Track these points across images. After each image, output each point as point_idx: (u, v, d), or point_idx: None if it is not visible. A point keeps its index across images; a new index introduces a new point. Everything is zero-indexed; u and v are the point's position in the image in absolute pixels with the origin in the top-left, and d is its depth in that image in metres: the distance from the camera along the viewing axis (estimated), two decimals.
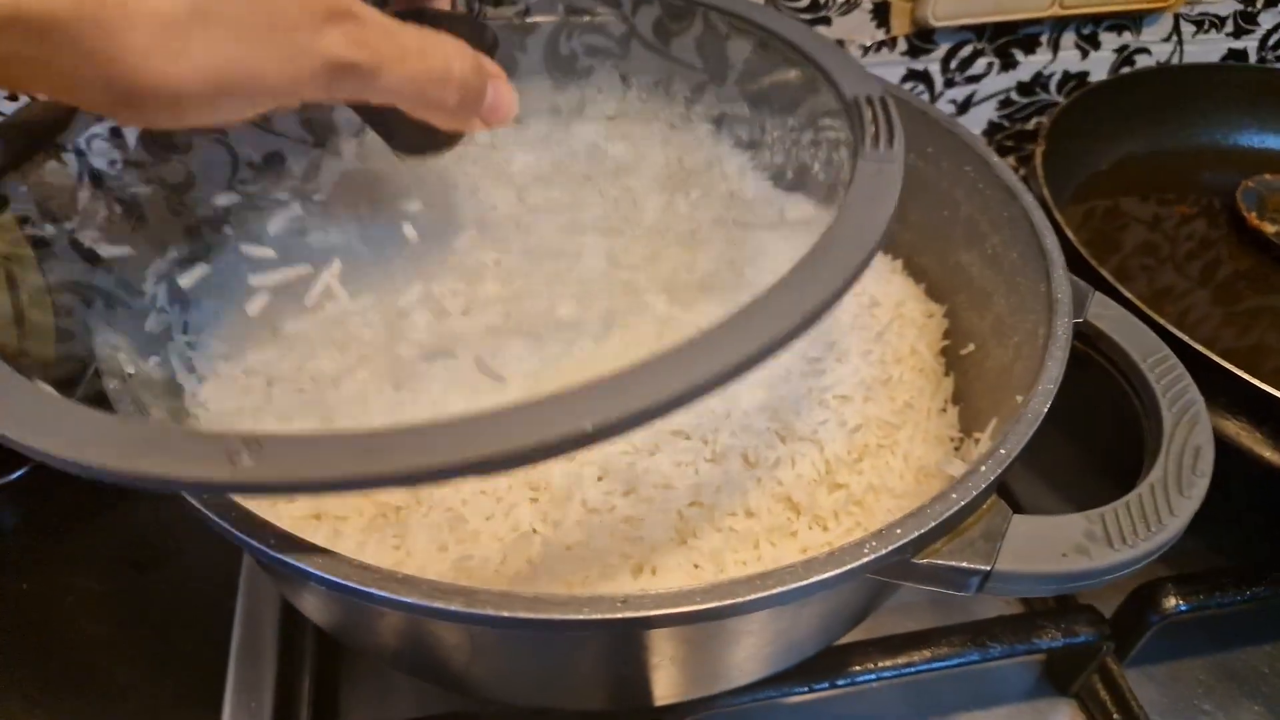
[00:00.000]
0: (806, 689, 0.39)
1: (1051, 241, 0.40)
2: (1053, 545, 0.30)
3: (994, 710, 0.45)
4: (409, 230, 0.42)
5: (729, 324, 0.26)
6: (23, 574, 0.49)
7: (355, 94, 0.29)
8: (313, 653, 0.43)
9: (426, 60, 0.30)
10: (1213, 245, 0.64)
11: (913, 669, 0.40)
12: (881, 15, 0.65)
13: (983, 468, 0.31)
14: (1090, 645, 0.42)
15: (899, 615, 0.46)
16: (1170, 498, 0.31)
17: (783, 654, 0.35)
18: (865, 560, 0.28)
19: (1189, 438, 0.34)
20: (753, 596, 0.27)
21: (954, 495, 0.30)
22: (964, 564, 0.30)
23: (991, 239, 0.44)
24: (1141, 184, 0.68)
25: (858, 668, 0.40)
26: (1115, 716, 0.43)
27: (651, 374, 0.25)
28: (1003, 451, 0.31)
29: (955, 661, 0.40)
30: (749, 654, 0.34)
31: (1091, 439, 0.48)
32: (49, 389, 0.27)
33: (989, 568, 0.30)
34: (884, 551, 0.28)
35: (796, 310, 0.27)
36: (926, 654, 0.40)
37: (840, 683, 0.39)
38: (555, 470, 0.37)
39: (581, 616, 0.26)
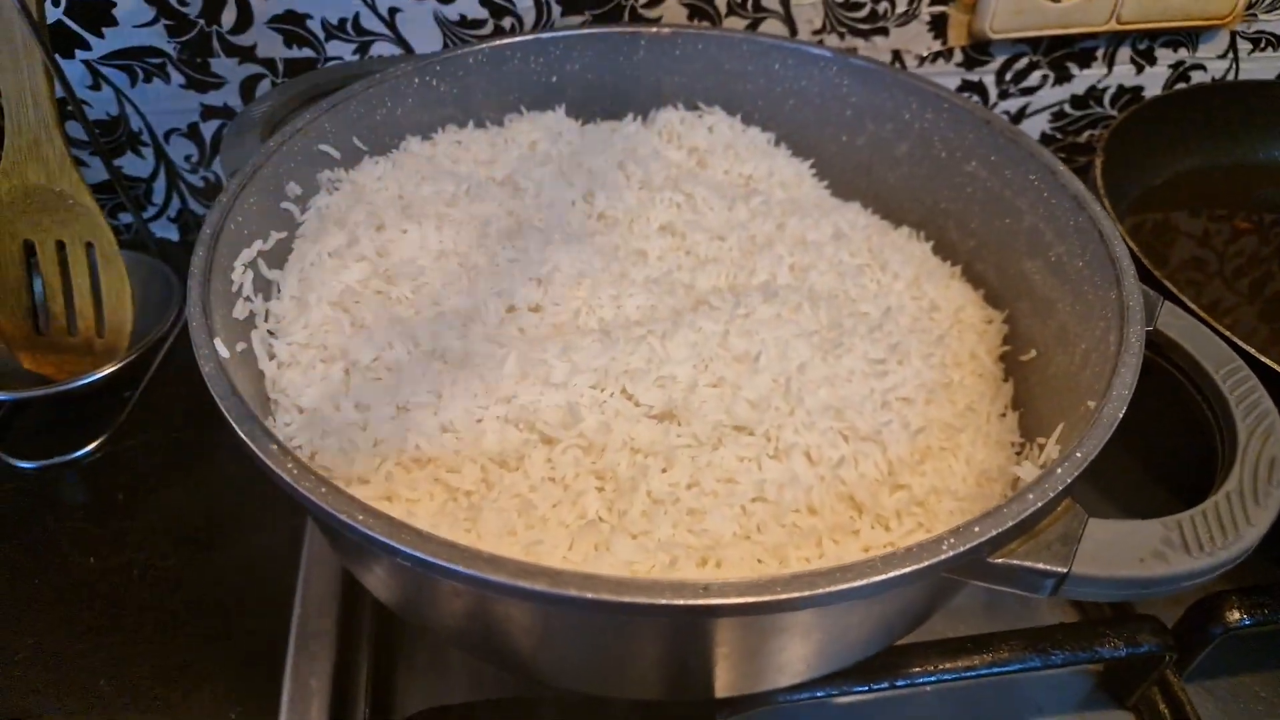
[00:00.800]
0: (866, 689, 0.39)
1: (1121, 250, 0.40)
2: (1130, 550, 0.30)
3: (1051, 719, 0.44)
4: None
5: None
6: (90, 550, 0.50)
7: None
8: (371, 633, 0.44)
9: None
10: (1265, 261, 0.64)
11: (973, 673, 0.40)
12: (939, 26, 0.65)
13: (1059, 470, 0.31)
14: (1153, 656, 0.41)
15: (954, 621, 0.46)
16: (1247, 507, 0.31)
17: (845, 652, 0.36)
18: (943, 557, 0.28)
19: (1264, 448, 0.34)
20: (833, 589, 0.27)
21: (1031, 496, 0.30)
22: (1041, 565, 0.30)
23: (1056, 248, 0.44)
24: (1196, 199, 0.68)
25: (917, 669, 0.40)
26: None
27: None
28: (1079, 455, 0.31)
29: (1016, 667, 0.40)
30: (813, 650, 0.34)
31: (1151, 451, 0.48)
32: None
33: (1066, 570, 0.30)
34: (962, 549, 0.28)
35: None
36: (988, 658, 0.40)
37: (900, 684, 0.39)
38: (621, 461, 0.38)
39: (664, 601, 0.27)
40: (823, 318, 0.44)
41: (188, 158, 0.65)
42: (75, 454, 0.54)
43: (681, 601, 0.27)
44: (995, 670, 0.40)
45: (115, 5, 0.57)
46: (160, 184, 0.66)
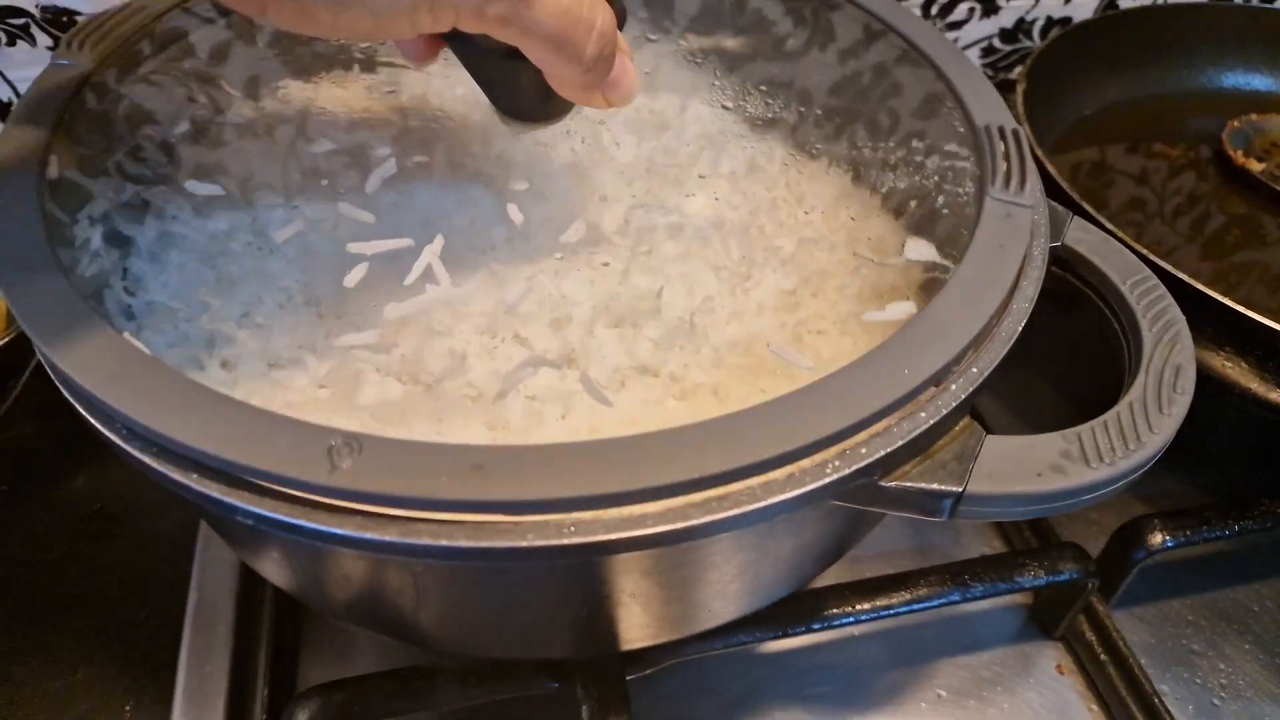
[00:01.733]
0: (781, 633, 0.37)
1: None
2: (1028, 465, 0.29)
3: (979, 655, 0.43)
4: (514, 212, 0.40)
5: (849, 372, 0.27)
6: None
7: (504, 22, 0.29)
8: (271, 618, 0.42)
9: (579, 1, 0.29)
10: (1200, 189, 0.63)
11: (891, 611, 0.39)
12: None
13: (953, 386, 0.29)
14: (1075, 583, 0.40)
15: (878, 563, 0.45)
16: (1150, 415, 0.30)
17: (753, 593, 0.34)
18: (829, 479, 0.26)
19: (1170, 356, 0.32)
20: (709, 519, 0.25)
21: (923, 414, 0.28)
22: (935, 486, 0.28)
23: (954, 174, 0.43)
24: (1129, 130, 0.66)
25: (835, 610, 0.38)
26: (1103, 658, 0.42)
27: (776, 419, 0.26)
28: (974, 370, 0.30)
29: (936, 602, 0.39)
30: (716, 592, 0.32)
31: (1061, 372, 0.46)
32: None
33: (961, 489, 0.28)
34: (848, 471, 0.27)
35: (920, 371, 0.27)
36: (906, 595, 0.39)
37: (816, 626, 0.38)
38: (515, 409, 0.35)
39: (525, 544, 0.25)
40: (734, 252, 0.42)
41: None
42: None
43: (545, 543, 0.25)
44: (915, 607, 0.39)
45: None
46: None
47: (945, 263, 0.35)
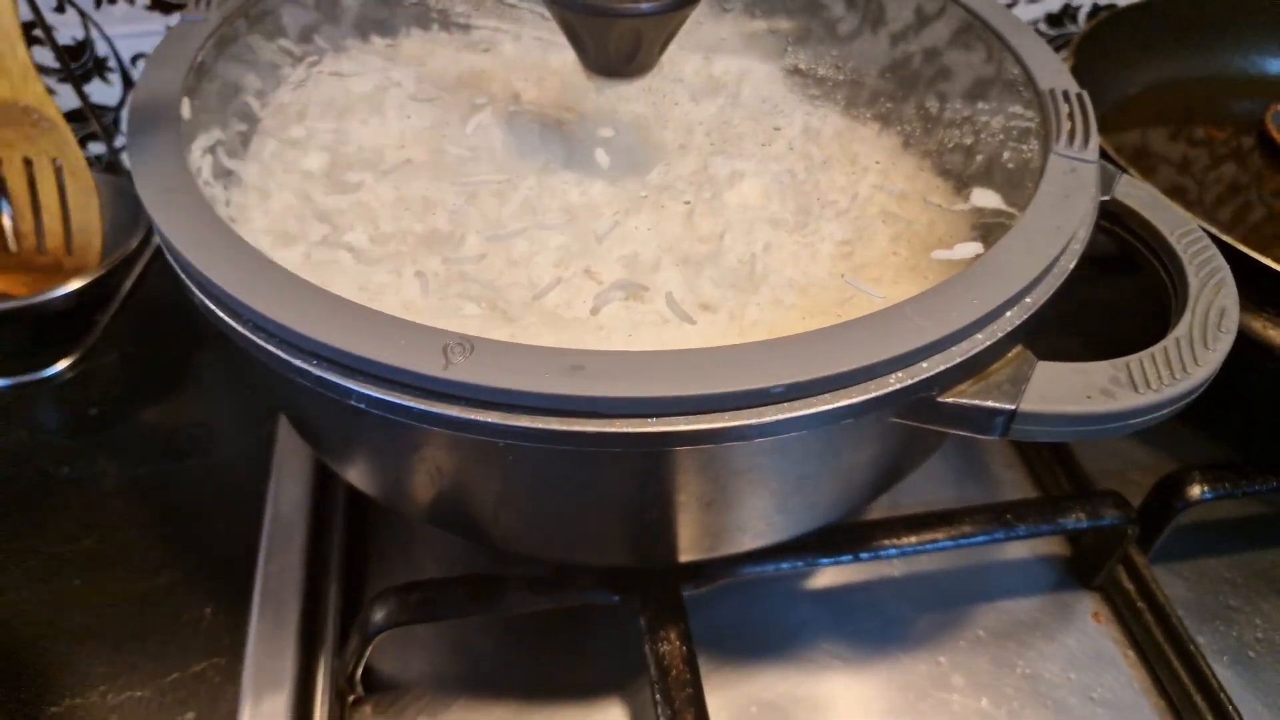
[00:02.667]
0: (831, 560, 0.39)
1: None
2: (1078, 389, 0.30)
3: (1018, 600, 0.45)
4: (601, 156, 0.43)
5: (915, 305, 0.29)
6: (64, 460, 0.50)
7: None
8: (342, 527, 0.44)
9: None
10: (1243, 170, 0.64)
11: (936, 545, 0.41)
12: None
13: (1008, 313, 0.31)
14: (1115, 529, 0.42)
15: (919, 508, 0.47)
16: (1195, 350, 0.32)
17: (809, 509, 0.36)
18: (892, 389, 0.28)
19: (1215, 299, 0.34)
20: (780, 417, 0.27)
21: (979, 336, 0.30)
22: (989, 403, 0.30)
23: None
24: (1172, 112, 0.68)
25: (883, 541, 0.40)
26: (1140, 605, 0.43)
27: (846, 341, 0.28)
28: (1028, 300, 0.31)
29: (981, 539, 0.41)
30: (775, 505, 0.34)
31: (1102, 340, 0.48)
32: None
33: (1014, 407, 0.30)
34: (910, 383, 0.29)
35: (988, 301, 0.30)
36: (951, 531, 0.41)
37: (864, 555, 0.40)
38: (585, 337, 0.38)
39: (614, 430, 0.27)
40: (789, 203, 0.44)
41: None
42: (47, 371, 0.54)
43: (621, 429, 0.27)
44: (961, 542, 0.41)
45: None
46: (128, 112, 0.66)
47: (1011, 210, 0.37)
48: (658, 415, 0.27)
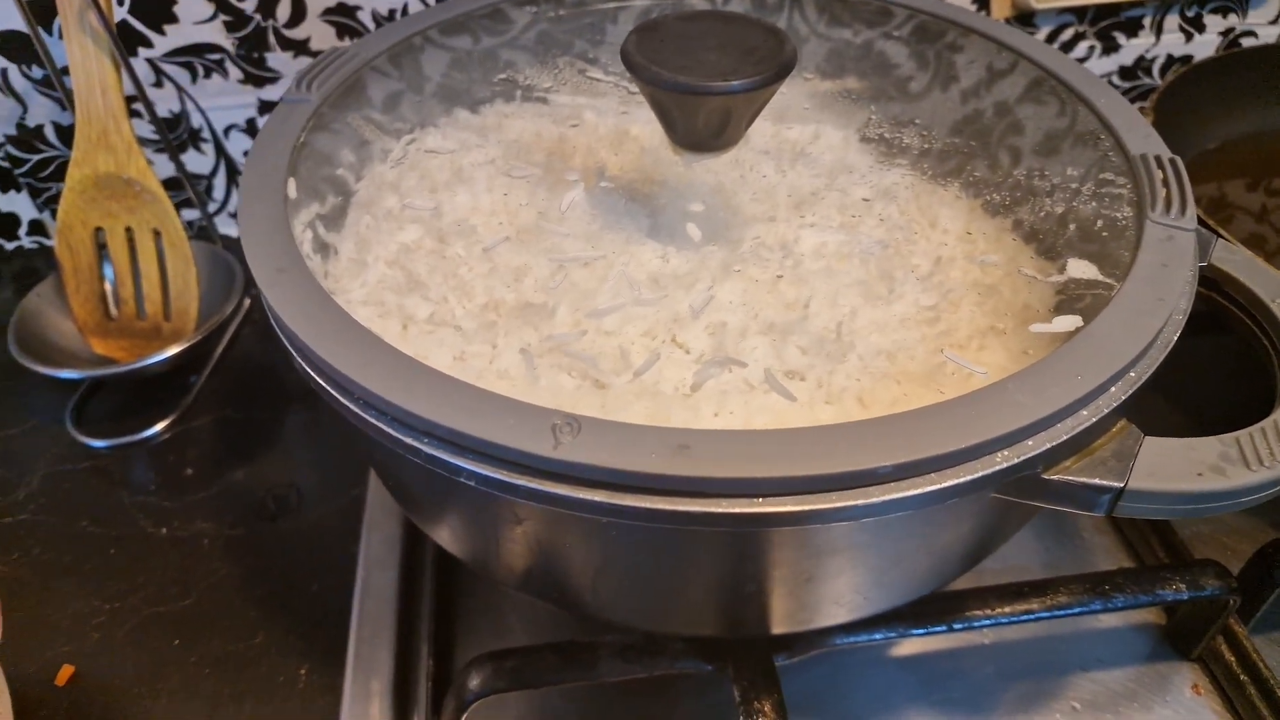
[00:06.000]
0: (923, 630, 0.39)
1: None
2: (1189, 465, 0.30)
3: (1112, 671, 0.44)
4: (693, 230, 0.44)
5: (1019, 381, 0.30)
6: (163, 522, 0.52)
7: None
8: (431, 592, 0.45)
9: None
10: None
11: (1031, 616, 0.40)
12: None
13: (1113, 389, 0.31)
14: (1216, 600, 0.41)
15: (1007, 576, 0.46)
16: None
17: (904, 583, 0.36)
18: (998, 468, 0.28)
19: None
20: (888, 497, 0.27)
21: (1084, 412, 0.30)
22: (1097, 480, 0.30)
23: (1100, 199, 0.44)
24: (1251, 166, 0.67)
25: (975, 612, 0.39)
26: (1243, 680, 0.42)
27: (952, 419, 0.28)
28: (1133, 375, 0.31)
29: (1076, 610, 0.40)
30: (872, 579, 0.34)
31: (1204, 387, 0.47)
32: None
33: (1122, 484, 0.30)
34: (1016, 461, 0.28)
35: (1084, 381, 0.29)
36: (1047, 602, 0.40)
37: (957, 626, 0.39)
38: (675, 406, 0.38)
39: (721, 510, 0.27)
40: (873, 269, 0.44)
41: (246, 153, 0.67)
42: (145, 433, 0.56)
43: (729, 509, 0.27)
44: (1056, 613, 0.40)
45: (176, 3, 0.60)
46: (220, 179, 0.69)
47: (1107, 280, 0.37)
48: (764, 495, 0.27)
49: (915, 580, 0.35)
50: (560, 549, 0.34)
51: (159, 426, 0.57)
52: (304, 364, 0.33)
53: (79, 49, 0.53)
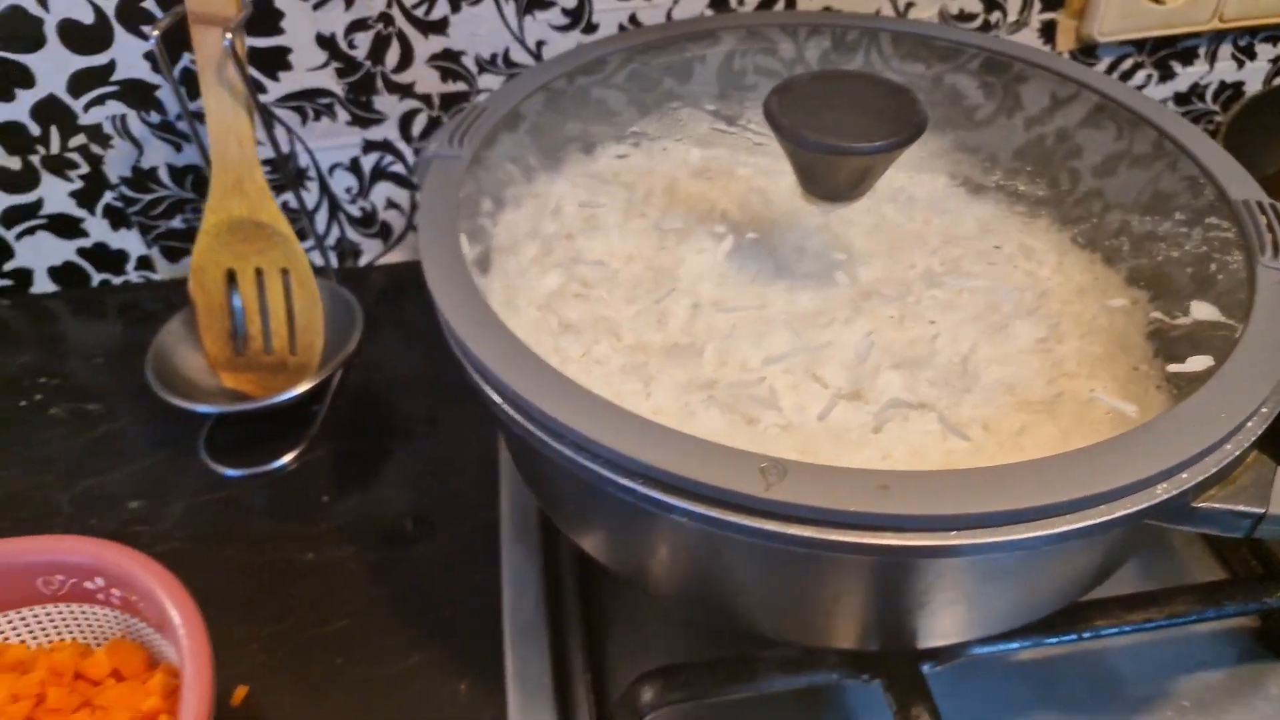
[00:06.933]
0: (1056, 640, 0.42)
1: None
2: None
3: (1214, 673, 0.47)
4: (841, 278, 0.47)
5: (1169, 420, 0.33)
6: (306, 548, 0.55)
7: None
8: (578, 608, 0.48)
9: None
10: None
11: (1153, 624, 0.43)
12: (1049, 32, 0.69)
13: (1249, 424, 0.34)
14: None
15: (1112, 585, 0.49)
16: None
17: (1046, 600, 0.39)
18: (1159, 500, 0.32)
19: None
20: (1065, 528, 0.31)
21: (1228, 446, 0.33)
22: (1240, 507, 0.33)
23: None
24: None
25: (1102, 621, 0.43)
26: None
27: (1119, 456, 0.32)
28: (1264, 410, 0.35)
29: (1192, 618, 0.43)
30: (1019, 597, 0.38)
31: None
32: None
33: (1263, 511, 0.33)
34: (1173, 493, 0.32)
35: (1228, 419, 0.33)
36: (1165, 610, 0.43)
37: (1086, 635, 0.43)
38: (820, 438, 0.41)
39: (917, 543, 0.31)
40: (982, 302, 0.47)
41: (348, 190, 0.71)
42: (276, 464, 0.60)
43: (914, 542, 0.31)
44: (1172, 621, 0.43)
45: (291, 51, 0.63)
46: (322, 215, 0.72)
47: (1231, 322, 0.40)
48: (957, 530, 0.31)
49: (1060, 596, 0.39)
50: (739, 572, 0.37)
51: (288, 457, 0.60)
52: (514, 412, 0.36)
53: (215, 101, 0.56)
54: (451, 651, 0.49)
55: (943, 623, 0.38)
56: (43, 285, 0.73)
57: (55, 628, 0.46)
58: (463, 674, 0.48)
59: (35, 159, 0.66)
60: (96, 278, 0.73)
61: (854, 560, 0.34)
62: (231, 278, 0.61)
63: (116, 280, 0.74)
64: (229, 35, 0.53)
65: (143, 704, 0.41)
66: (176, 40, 0.57)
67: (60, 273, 0.73)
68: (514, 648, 0.47)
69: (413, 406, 0.64)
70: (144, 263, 0.73)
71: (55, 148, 0.65)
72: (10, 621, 0.45)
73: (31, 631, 0.45)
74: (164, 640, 0.44)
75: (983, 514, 0.30)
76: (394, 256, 0.76)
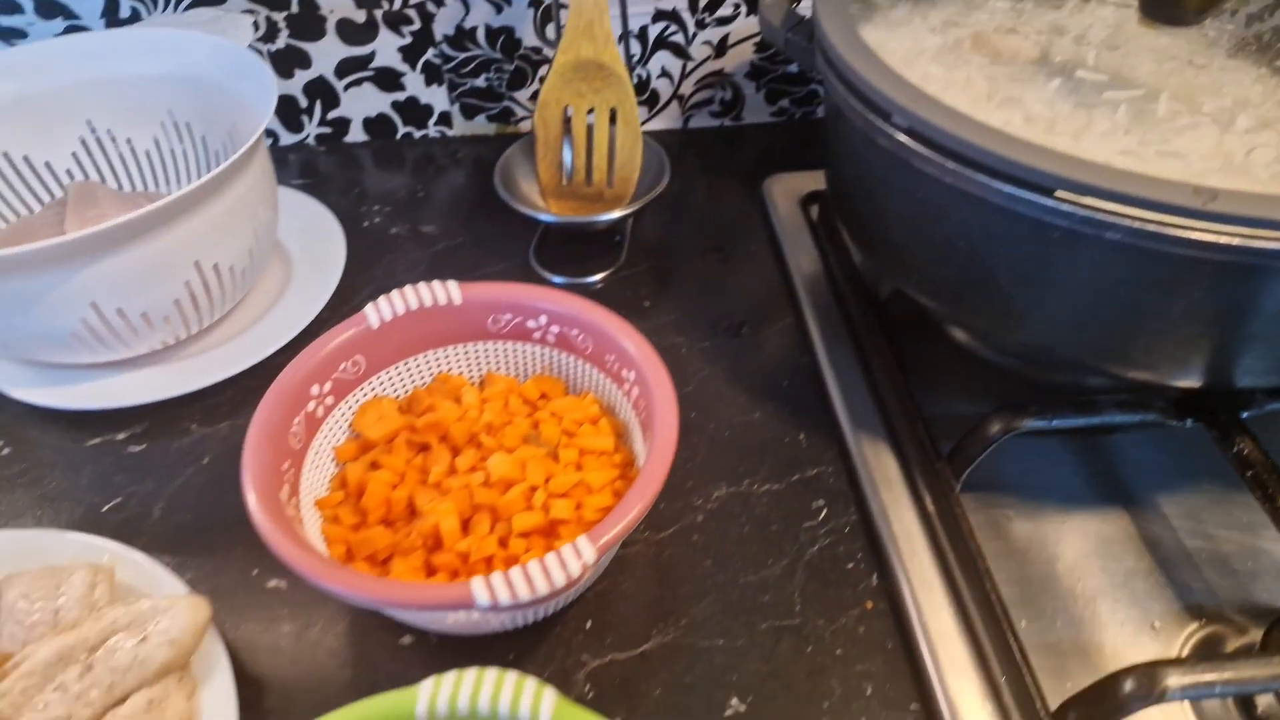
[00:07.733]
0: None
1: None
2: None
3: None
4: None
5: None
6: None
7: None
8: (889, 366, 0.58)
9: None
10: None
11: None
12: None
13: None
14: None
15: None
16: None
17: None
18: None
19: None
20: None
21: None
22: None
23: None
24: None
25: None
26: None
27: None
28: None
29: None
30: None
31: None
32: None
33: None
34: None
35: None
36: None
37: None
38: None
39: None
40: None
41: (631, 56, 0.80)
42: (590, 279, 0.69)
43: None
44: None
45: None
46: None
47: None
48: None
49: None
50: (1117, 297, 0.45)
51: (600, 275, 0.69)
52: (958, 166, 0.44)
53: None
54: (786, 412, 0.59)
55: (1263, 363, 0.47)
56: (355, 135, 0.83)
57: (489, 362, 0.55)
58: (800, 428, 0.58)
59: (379, 13, 0.76)
60: (401, 130, 0.83)
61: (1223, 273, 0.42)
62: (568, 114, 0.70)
63: (417, 134, 0.84)
64: None
65: (589, 410, 0.51)
66: None
67: (373, 123, 0.83)
68: (844, 406, 0.57)
69: (693, 241, 0.73)
70: (443, 119, 0.83)
71: (398, 3, 0.75)
72: (448, 355, 0.55)
73: (468, 365, 0.55)
74: (588, 368, 0.53)
75: None
76: (655, 124, 0.85)
